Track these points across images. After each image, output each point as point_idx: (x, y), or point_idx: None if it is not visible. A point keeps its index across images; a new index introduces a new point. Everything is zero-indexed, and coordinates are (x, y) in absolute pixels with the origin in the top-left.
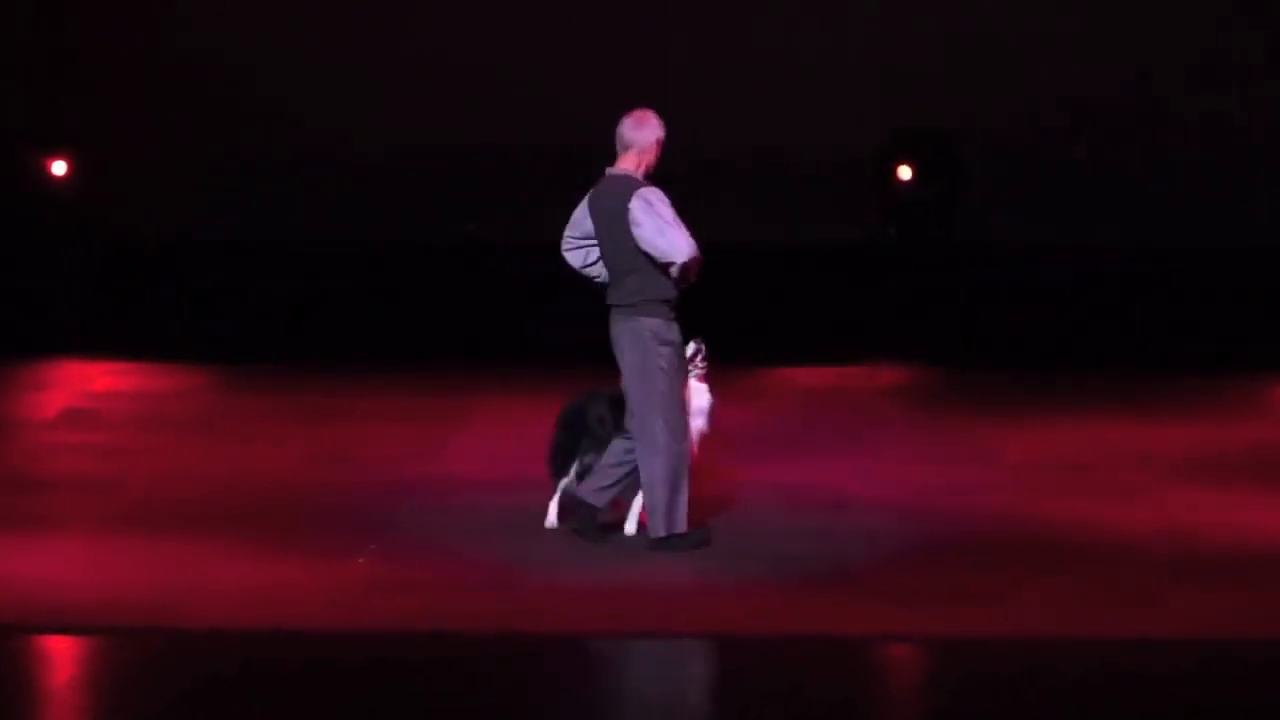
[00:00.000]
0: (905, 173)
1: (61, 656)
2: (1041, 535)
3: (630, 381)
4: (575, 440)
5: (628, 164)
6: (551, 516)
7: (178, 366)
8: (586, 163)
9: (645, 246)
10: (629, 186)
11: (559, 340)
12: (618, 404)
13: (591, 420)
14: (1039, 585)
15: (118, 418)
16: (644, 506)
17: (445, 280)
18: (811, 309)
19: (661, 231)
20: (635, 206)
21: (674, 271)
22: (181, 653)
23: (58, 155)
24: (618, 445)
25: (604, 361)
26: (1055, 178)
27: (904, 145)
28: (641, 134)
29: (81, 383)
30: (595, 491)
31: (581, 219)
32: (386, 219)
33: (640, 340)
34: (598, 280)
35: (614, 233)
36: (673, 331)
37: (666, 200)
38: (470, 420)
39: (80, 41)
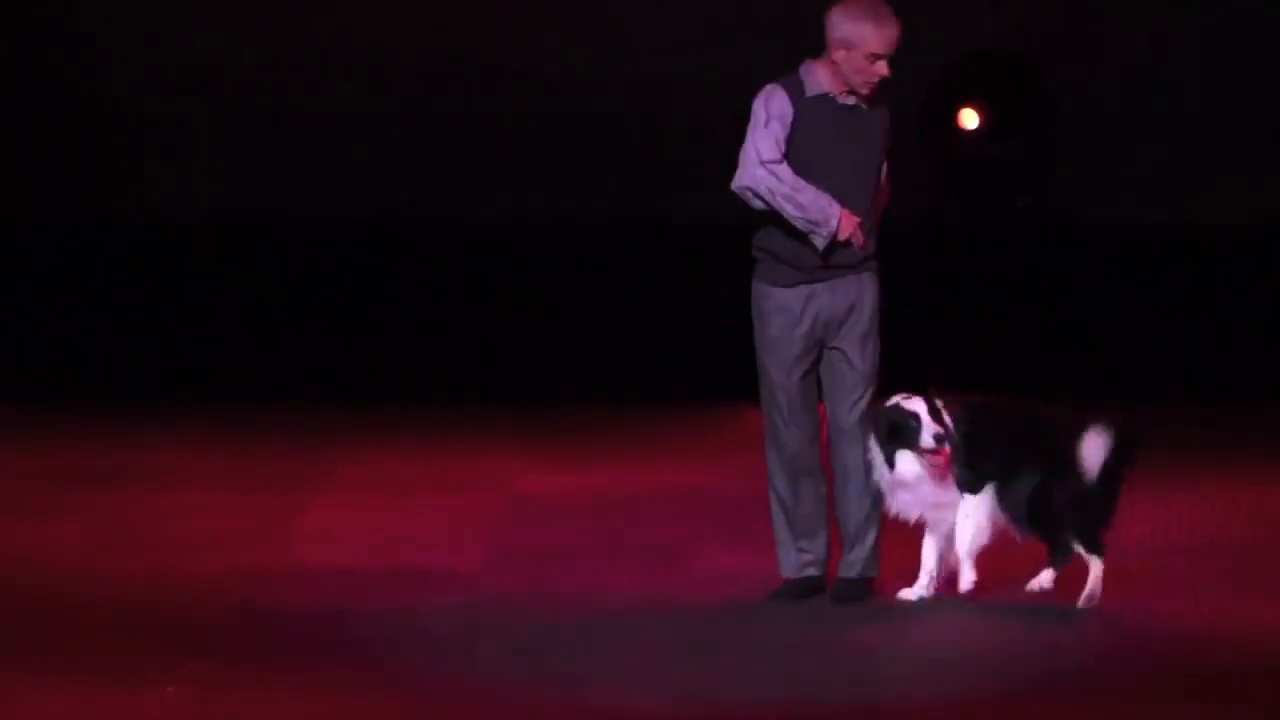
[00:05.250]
0: (970, 119)
1: None
2: (1186, 649)
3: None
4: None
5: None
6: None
7: None
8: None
9: None
10: None
11: (466, 368)
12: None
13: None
14: None
15: None
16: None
17: (292, 277)
18: None
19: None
20: None
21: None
22: None
23: None
24: None
25: (531, 400)
26: (1188, 129)
27: (969, 78)
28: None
29: None
30: None
31: None
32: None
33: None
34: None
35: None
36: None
37: (762, 98)
38: (329, 486)
39: None
